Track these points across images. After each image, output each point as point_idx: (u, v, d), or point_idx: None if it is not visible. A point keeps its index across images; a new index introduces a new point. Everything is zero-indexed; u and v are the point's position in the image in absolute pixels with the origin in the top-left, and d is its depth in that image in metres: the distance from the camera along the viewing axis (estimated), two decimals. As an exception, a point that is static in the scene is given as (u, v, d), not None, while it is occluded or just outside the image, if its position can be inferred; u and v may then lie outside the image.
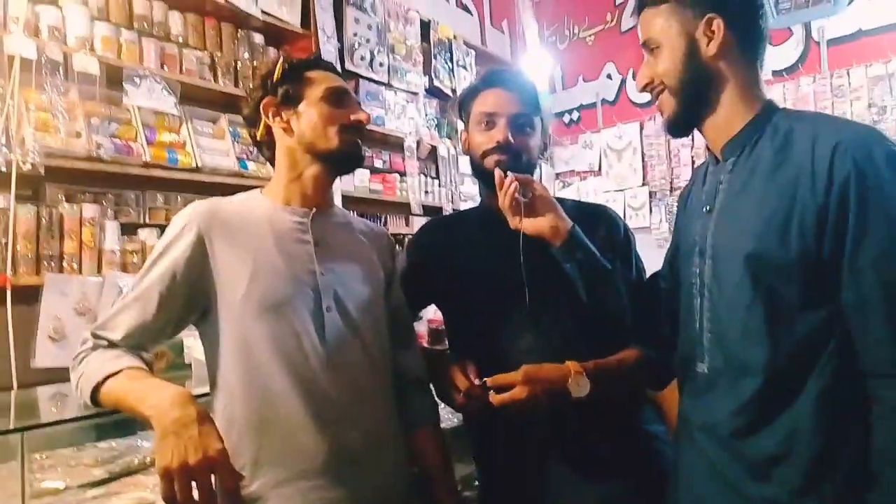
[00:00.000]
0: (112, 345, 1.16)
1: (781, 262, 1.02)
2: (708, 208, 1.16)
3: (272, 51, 3.00)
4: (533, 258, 1.41)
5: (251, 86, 1.38)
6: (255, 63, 2.86)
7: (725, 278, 1.10)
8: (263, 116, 1.31)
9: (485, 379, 1.32)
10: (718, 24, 1.09)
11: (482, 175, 1.52)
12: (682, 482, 1.20)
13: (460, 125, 1.64)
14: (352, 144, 1.30)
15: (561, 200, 1.52)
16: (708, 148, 1.21)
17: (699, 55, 1.11)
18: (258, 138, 1.34)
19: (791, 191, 1.01)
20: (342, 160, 1.32)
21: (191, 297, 1.20)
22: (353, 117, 1.30)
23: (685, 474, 1.19)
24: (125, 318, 1.17)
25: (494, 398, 1.30)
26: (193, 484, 0.97)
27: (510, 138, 1.46)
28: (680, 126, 1.18)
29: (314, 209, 1.30)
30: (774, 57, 3.91)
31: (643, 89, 1.20)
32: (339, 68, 3.15)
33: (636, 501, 1.37)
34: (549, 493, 1.41)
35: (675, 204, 4.13)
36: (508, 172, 1.38)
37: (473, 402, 1.33)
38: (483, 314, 1.48)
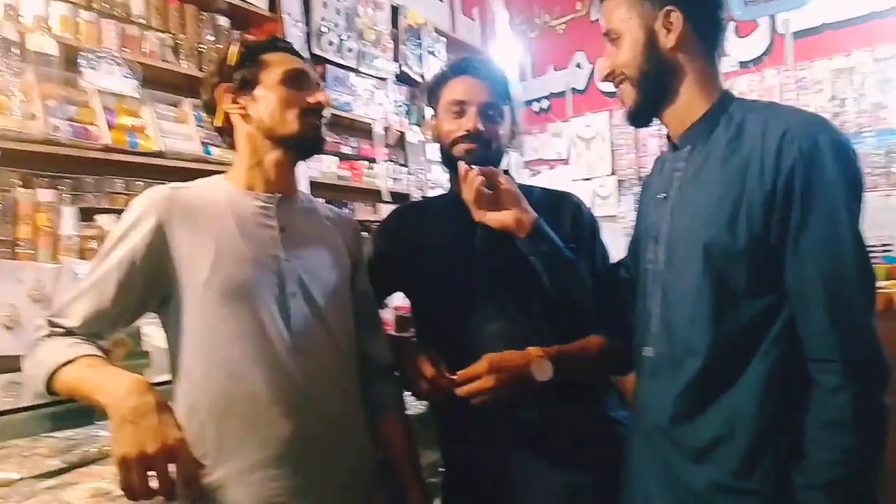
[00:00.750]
0: (68, 332, 1.14)
1: (731, 249, 1.03)
2: (664, 195, 1.18)
3: (238, 34, 2.95)
4: (500, 247, 1.41)
5: (208, 71, 1.34)
6: (220, 46, 2.81)
7: (677, 264, 1.12)
8: (219, 103, 1.28)
9: (450, 373, 1.33)
10: (677, 16, 1.10)
11: (450, 163, 1.52)
12: (632, 469, 1.22)
13: (429, 111, 1.63)
14: (312, 128, 1.27)
15: (529, 188, 1.53)
16: (668, 136, 1.23)
17: (658, 47, 1.12)
18: (216, 125, 1.32)
19: (741, 178, 1.03)
20: (303, 144, 1.28)
21: (150, 285, 1.18)
22: (310, 100, 1.27)
23: (635, 460, 1.21)
24: (81, 305, 1.15)
25: (461, 390, 1.31)
26: (152, 473, 0.96)
27: (480, 127, 1.46)
28: (640, 116, 1.20)
29: (278, 194, 1.28)
30: (741, 48, 3.97)
31: (605, 79, 1.21)
32: (306, 53, 3.15)
33: (601, 487, 1.39)
34: (513, 480, 1.42)
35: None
36: (473, 165, 1.38)
37: (437, 391, 1.34)
38: (450, 302, 1.49)
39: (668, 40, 1.11)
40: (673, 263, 1.13)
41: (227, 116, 1.29)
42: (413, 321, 1.66)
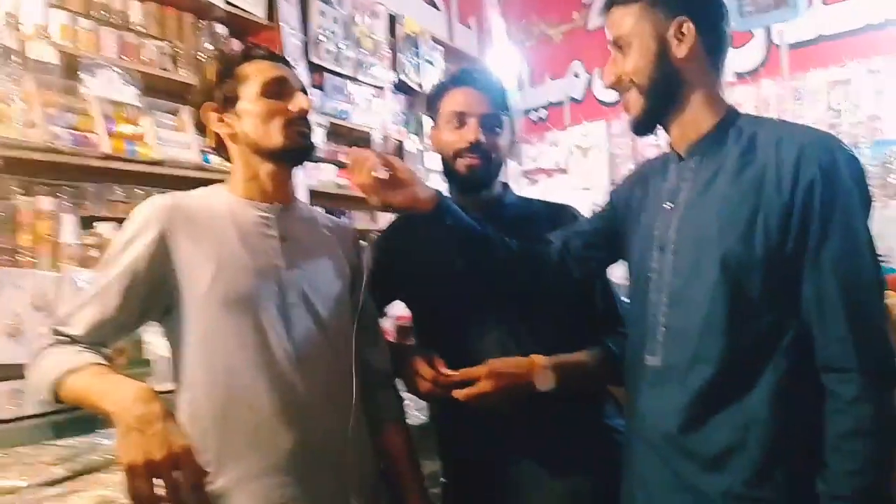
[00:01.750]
0: (72, 340, 1.14)
1: (746, 261, 1.05)
2: (670, 205, 1.18)
3: (236, 42, 2.96)
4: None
5: (194, 91, 1.33)
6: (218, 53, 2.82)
7: (688, 273, 1.12)
8: (207, 124, 1.28)
9: (449, 371, 1.35)
10: (689, 26, 1.11)
11: (451, 174, 1.54)
12: (635, 476, 1.22)
13: (429, 121, 1.65)
14: (297, 137, 1.25)
15: (528, 200, 1.58)
16: (671, 145, 1.24)
17: (669, 56, 1.13)
18: (209, 146, 1.32)
19: (756, 191, 1.05)
20: (290, 156, 1.27)
21: (153, 294, 1.18)
22: (292, 108, 1.24)
23: (638, 468, 1.21)
24: (86, 314, 1.15)
25: (458, 393, 1.32)
26: (158, 481, 0.96)
27: (481, 138, 1.48)
28: (645, 124, 1.21)
29: (278, 204, 1.28)
30: (737, 59, 3.99)
31: (611, 86, 1.22)
32: (304, 62, 3.16)
33: (599, 495, 1.39)
34: (512, 489, 1.43)
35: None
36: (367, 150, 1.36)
37: (435, 389, 1.36)
38: (450, 312, 1.50)
39: (679, 50, 1.12)
40: (682, 273, 1.13)
41: (216, 135, 1.29)
42: (413, 331, 1.67)
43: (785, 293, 1.05)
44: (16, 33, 2.15)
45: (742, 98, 3.90)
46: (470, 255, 1.40)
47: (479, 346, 1.43)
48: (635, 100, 1.17)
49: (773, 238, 1.03)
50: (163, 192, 1.26)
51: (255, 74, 1.25)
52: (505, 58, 4.76)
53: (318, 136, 3.25)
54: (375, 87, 3.74)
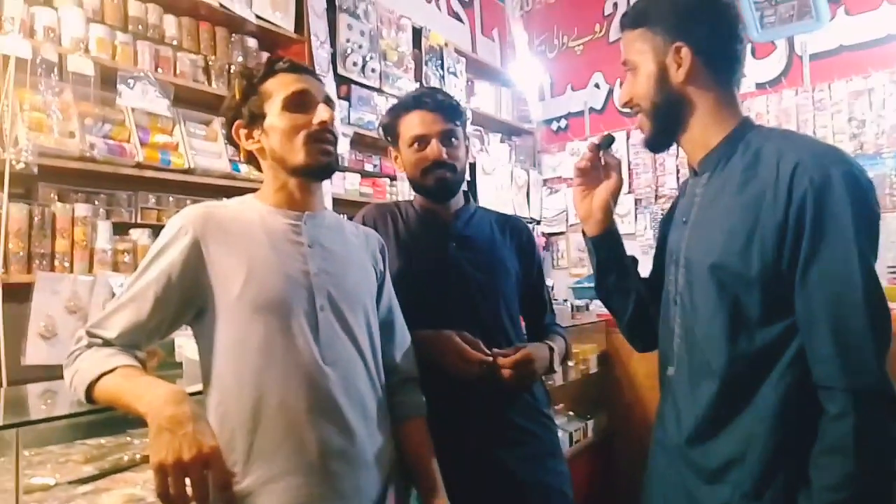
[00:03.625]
0: (106, 343, 1.18)
1: (743, 274, 1.06)
2: (685, 220, 1.21)
3: (265, 55, 3.03)
4: (471, 257, 1.62)
5: (223, 107, 1.37)
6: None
7: (695, 286, 1.15)
8: (237, 140, 1.33)
9: (500, 352, 1.53)
10: (686, 51, 1.14)
11: (421, 189, 1.69)
12: (654, 481, 1.25)
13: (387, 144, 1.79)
14: (319, 154, 1.28)
15: (486, 210, 1.79)
16: (688, 161, 1.26)
17: (669, 80, 1.16)
18: (242, 158, 1.37)
19: (756, 206, 1.06)
20: (313, 172, 1.31)
21: (186, 299, 1.22)
22: (315, 121, 1.27)
23: (657, 474, 1.25)
24: (120, 318, 1.19)
25: (506, 372, 1.51)
26: (187, 480, 0.99)
27: (444, 156, 1.62)
28: (656, 144, 1.25)
29: (306, 212, 1.32)
30: (758, 70, 3.99)
31: (624, 106, 1.26)
32: (331, 74, 3.22)
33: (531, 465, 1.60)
34: (470, 456, 1.55)
35: (660, 211, 4.21)
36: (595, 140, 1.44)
37: (486, 372, 1.50)
38: (425, 304, 1.58)
39: (677, 75, 1.15)
40: (691, 285, 1.16)
41: (247, 150, 1.34)
42: None
43: (784, 310, 1.05)
44: (56, 47, 2.24)
45: (763, 108, 3.90)
46: (604, 286, 1.41)
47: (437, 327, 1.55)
48: (644, 122, 1.22)
49: (768, 254, 1.04)
50: (194, 200, 1.30)
51: (278, 90, 1.28)
52: (527, 69, 4.79)
53: (344, 146, 3.31)
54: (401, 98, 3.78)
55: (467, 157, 1.73)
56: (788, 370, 1.05)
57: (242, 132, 1.32)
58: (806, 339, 1.03)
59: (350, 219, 1.60)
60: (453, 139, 1.65)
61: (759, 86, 3.97)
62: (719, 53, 1.16)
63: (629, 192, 4.53)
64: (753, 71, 4.00)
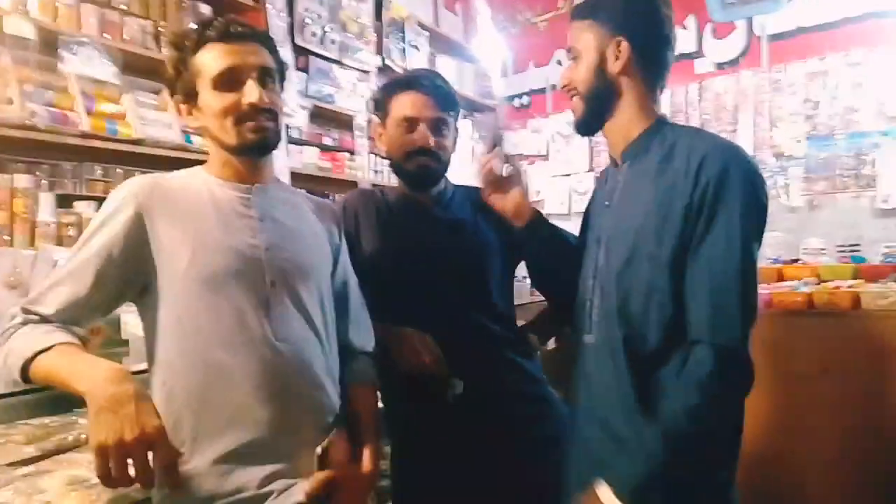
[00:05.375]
0: (43, 320, 1.13)
1: (657, 252, 1.19)
2: (607, 203, 1.33)
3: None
4: (457, 243, 1.59)
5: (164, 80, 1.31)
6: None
7: (614, 264, 1.26)
8: (179, 116, 1.28)
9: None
10: (625, 45, 1.27)
11: (401, 173, 1.65)
12: (577, 432, 1.34)
13: (374, 118, 1.75)
14: (250, 133, 1.22)
15: (465, 187, 1.72)
16: (609, 153, 1.38)
17: (606, 70, 1.29)
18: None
19: (669, 192, 1.19)
20: (247, 152, 1.25)
21: (128, 275, 1.18)
22: (244, 101, 1.20)
23: (578, 425, 1.34)
24: (58, 294, 1.14)
25: None
26: (130, 462, 0.97)
27: (431, 143, 1.58)
28: (586, 126, 1.36)
29: (257, 184, 1.28)
30: (718, 50, 4.03)
31: (562, 89, 1.37)
32: (289, 44, 3.14)
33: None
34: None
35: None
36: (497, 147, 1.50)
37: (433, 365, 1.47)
38: (411, 289, 1.57)
39: (614, 65, 1.28)
40: (610, 262, 1.27)
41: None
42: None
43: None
44: (-8, 8, 2.12)
45: (721, 89, 3.95)
46: (548, 268, 1.50)
47: (430, 315, 1.52)
48: (578, 105, 1.33)
49: (677, 236, 1.17)
50: (144, 172, 1.25)
51: (206, 67, 1.21)
52: (489, 44, 4.75)
53: (302, 119, 3.24)
54: (361, 70, 3.72)
55: (454, 149, 1.69)
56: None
57: (183, 108, 1.27)
58: (689, 305, 1.17)
59: (309, 193, 1.56)
60: (444, 128, 1.62)
61: (719, 66, 4.02)
62: (651, 54, 1.29)
63: (589, 171, 4.56)
64: (713, 51, 4.04)
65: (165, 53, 1.26)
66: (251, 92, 1.20)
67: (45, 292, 1.15)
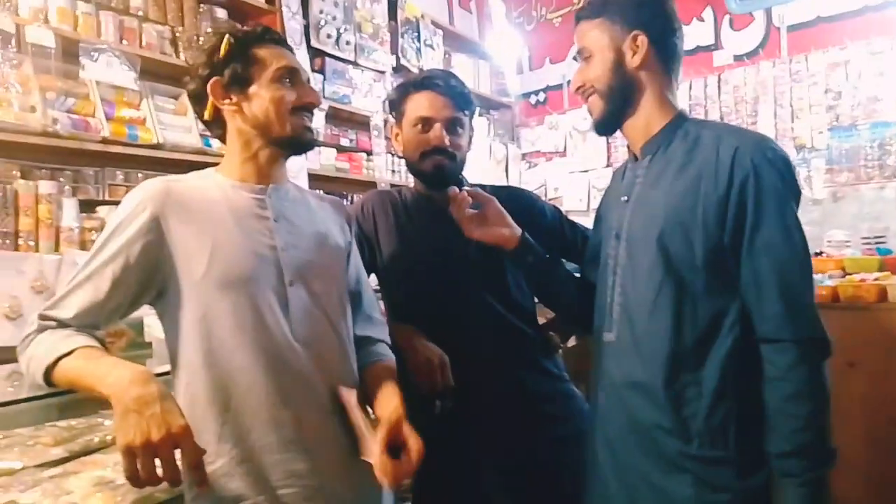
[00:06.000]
0: (62, 325, 1.13)
1: (686, 246, 1.18)
2: (626, 199, 1.32)
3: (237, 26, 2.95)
4: (474, 251, 1.54)
5: (195, 60, 1.31)
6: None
7: (638, 259, 1.25)
8: (211, 97, 1.26)
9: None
10: (643, 39, 1.25)
11: (418, 173, 1.65)
12: (598, 432, 1.32)
13: (391, 119, 1.73)
14: (303, 130, 1.28)
15: (482, 186, 1.69)
16: (628, 147, 1.37)
17: (625, 65, 1.27)
18: (205, 118, 1.31)
19: (696, 185, 1.18)
20: (295, 146, 1.30)
21: (145, 278, 1.18)
22: (306, 99, 1.27)
23: (600, 424, 1.32)
24: (76, 298, 1.14)
25: None
26: (158, 462, 0.97)
27: (446, 143, 1.58)
28: (606, 126, 1.34)
29: (271, 185, 1.29)
30: (736, 41, 3.98)
31: (576, 91, 1.35)
32: (304, 46, 3.15)
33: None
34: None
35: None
36: (464, 188, 1.49)
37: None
38: (428, 290, 1.58)
39: (633, 60, 1.26)
40: (633, 257, 1.26)
41: (216, 109, 1.28)
42: (385, 303, 1.73)
43: (726, 285, 1.17)
44: (13, 16, 2.15)
45: (741, 80, 3.90)
46: (545, 288, 1.53)
47: (451, 319, 1.53)
48: (596, 104, 1.31)
49: (710, 228, 1.16)
50: (164, 176, 1.26)
51: (272, 60, 1.26)
52: (504, 42, 4.73)
53: (319, 120, 3.25)
54: (376, 71, 3.72)
55: (469, 148, 1.69)
56: (730, 332, 1.17)
57: (219, 91, 1.26)
58: (752, 301, 1.15)
59: (328, 194, 1.56)
60: (458, 128, 1.61)
61: (737, 58, 3.97)
62: (666, 45, 1.28)
63: (608, 166, 4.53)
64: (731, 43, 3.99)
65: (212, 38, 1.28)
66: (314, 93, 1.29)
67: (63, 297, 1.15)
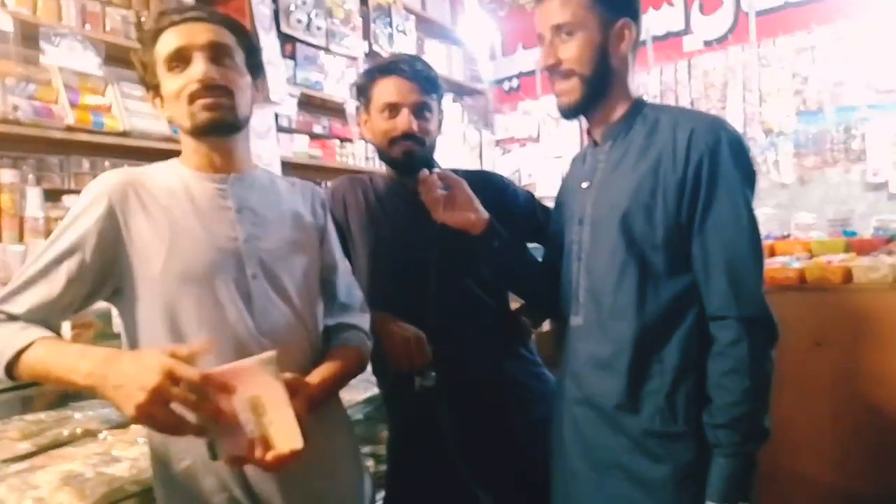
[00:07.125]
0: (11, 318, 1.10)
1: (649, 227, 1.20)
2: (587, 184, 1.33)
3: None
4: (443, 239, 1.53)
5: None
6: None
7: (602, 242, 1.27)
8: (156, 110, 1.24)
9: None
10: (632, 27, 1.26)
11: (388, 160, 1.65)
12: (565, 413, 1.34)
13: (356, 105, 1.75)
14: (203, 112, 1.16)
15: (455, 171, 1.66)
16: (588, 132, 1.37)
17: (609, 53, 1.26)
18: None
19: (656, 168, 1.21)
20: (203, 132, 1.19)
21: (101, 274, 1.14)
22: (194, 78, 1.15)
23: (567, 407, 1.33)
24: (29, 295, 1.10)
25: None
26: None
27: (414, 128, 1.57)
28: (576, 111, 1.31)
29: (232, 174, 1.24)
30: (706, 26, 4.01)
31: (548, 68, 1.29)
32: (274, 31, 3.10)
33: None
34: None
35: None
36: (434, 170, 1.49)
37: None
38: (401, 275, 1.59)
39: (620, 49, 1.26)
40: (597, 240, 1.28)
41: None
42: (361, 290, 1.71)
43: (684, 259, 1.20)
44: (-31, 1, 2.09)
45: (710, 66, 3.93)
46: (509, 274, 1.53)
47: (426, 303, 1.54)
48: (574, 87, 1.27)
49: (670, 208, 1.19)
50: (132, 164, 1.23)
51: (160, 53, 1.17)
52: (477, 27, 4.71)
53: (291, 107, 3.21)
54: (348, 57, 3.68)
55: (438, 132, 1.68)
56: (691, 309, 1.21)
57: (157, 102, 1.23)
58: (702, 278, 1.19)
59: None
60: (426, 112, 1.61)
61: (707, 43, 4.00)
62: (639, 33, 1.29)
63: (581, 152, 4.54)
64: (701, 28, 4.02)
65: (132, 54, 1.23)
66: (196, 68, 1.15)
67: (15, 292, 1.11)
